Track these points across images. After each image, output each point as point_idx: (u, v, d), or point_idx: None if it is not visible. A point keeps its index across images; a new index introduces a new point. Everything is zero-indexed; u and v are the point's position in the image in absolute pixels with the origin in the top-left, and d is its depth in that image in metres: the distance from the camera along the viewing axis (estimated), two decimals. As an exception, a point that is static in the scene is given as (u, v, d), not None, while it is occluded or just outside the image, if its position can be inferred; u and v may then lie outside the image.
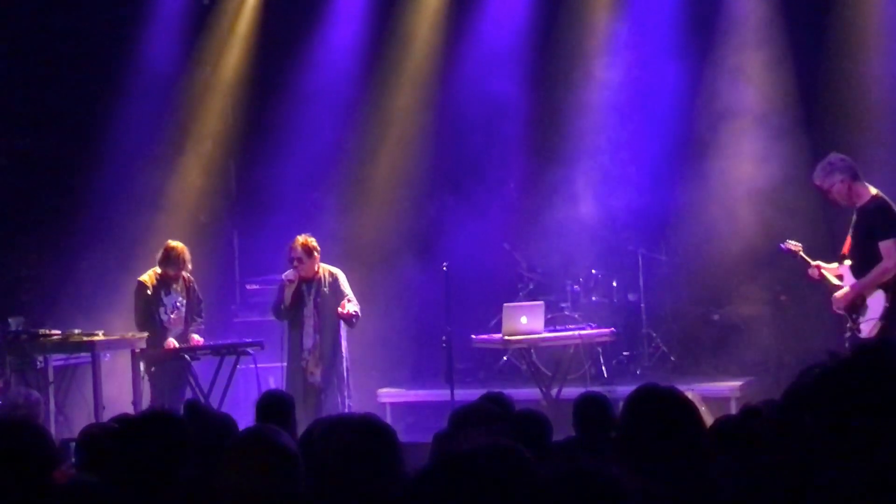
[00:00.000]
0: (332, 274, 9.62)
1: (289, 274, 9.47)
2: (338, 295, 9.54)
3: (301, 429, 5.84)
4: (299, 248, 9.44)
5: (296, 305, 9.48)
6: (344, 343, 9.64)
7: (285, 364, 9.66)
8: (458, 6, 12.44)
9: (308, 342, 9.50)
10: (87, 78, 11.65)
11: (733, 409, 9.25)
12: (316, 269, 9.53)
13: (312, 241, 9.53)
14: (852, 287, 7.68)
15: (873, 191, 7.72)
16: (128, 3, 11.98)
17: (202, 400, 9.29)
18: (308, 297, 9.50)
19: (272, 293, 9.91)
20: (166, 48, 12.17)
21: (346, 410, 9.32)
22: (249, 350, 9.79)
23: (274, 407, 6.00)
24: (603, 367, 11.17)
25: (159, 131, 12.12)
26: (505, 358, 11.61)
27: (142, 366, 9.42)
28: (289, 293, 9.44)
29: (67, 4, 11.58)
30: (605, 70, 12.04)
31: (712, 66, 11.62)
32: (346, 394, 9.61)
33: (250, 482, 3.25)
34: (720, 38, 11.61)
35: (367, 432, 3.45)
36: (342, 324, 9.59)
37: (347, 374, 9.65)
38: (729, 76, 11.53)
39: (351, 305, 9.54)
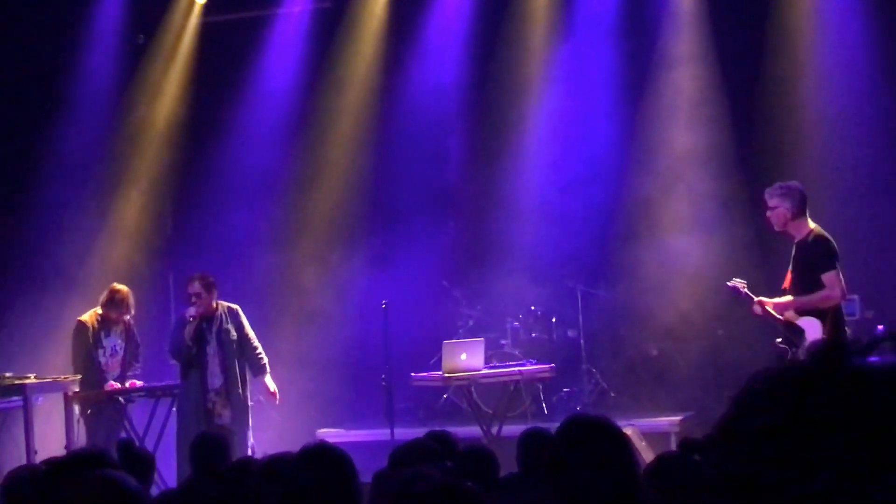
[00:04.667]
0: (231, 309, 9.33)
1: (190, 311, 9.12)
2: (240, 330, 9.25)
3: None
4: (197, 283, 9.14)
5: (196, 344, 9.12)
6: (248, 381, 9.35)
7: (179, 407, 9.26)
8: (395, 40, 12.48)
9: (215, 382, 9.14)
10: (21, 110, 11.48)
11: (673, 444, 9.27)
12: (215, 305, 9.25)
13: (211, 278, 9.27)
14: (794, 301, 7.76)
15: (812, 225, 7.83)
16: (62, 38, 11.84)
17: (137, 443, 9.13)
18: (210, 334, 9.16)
19: (171, 334, 9.43)
20: (102, 86, 12.07)
21: (252, 450, 9.02)
22: (185, 392, 9.65)
23: (210, 447, 5.92)
24: (543, 404, 11.15)
25: (95, 170, 11.99)
26: (445, 396, 11.54)
27: (77, 409, 9.25)
28: (190, 330, 9.07)
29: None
30: (543, 107, 12.15)
31: (649, 102, 11.78)
32: (251, 434, 9.27)
33: None
34: (656, 71, 11.78)
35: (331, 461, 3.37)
36: (245, 363, 9.30)
37: (251, 413, 9.37)
38: (666, 112, 11.70)
39: (270, 380, 9.30)
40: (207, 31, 12.62)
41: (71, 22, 11.90)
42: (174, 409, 9.66)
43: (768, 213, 7.87)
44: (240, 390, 9.20)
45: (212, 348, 9.15)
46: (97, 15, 12.13)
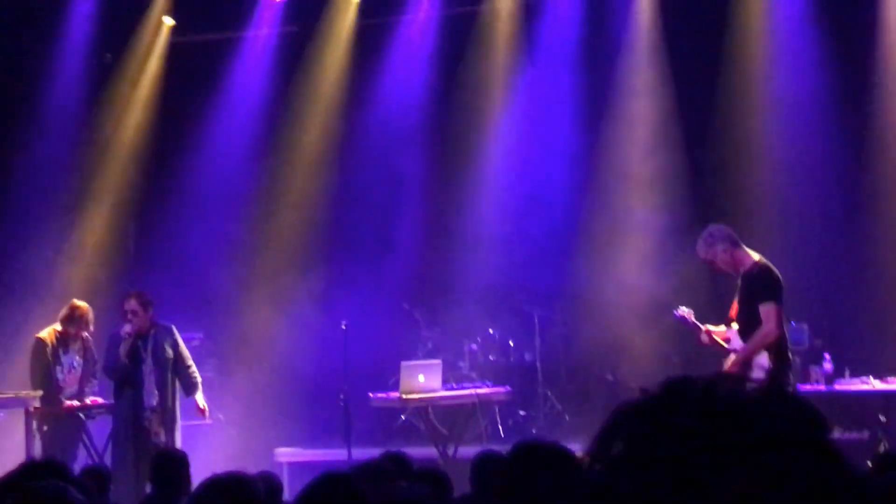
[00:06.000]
0: (166, 327, 9.30)
1: (126, 328, 9.09)
2: (174, 349, 9.24)
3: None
4: (134, 301, 9.12)
5: (131, 362, 9.07)
6: (180, 402, 9.33)
7: (113, 425, 9.22)
8: (359, 65, 12.70)
9: (151, 400, 9.07)
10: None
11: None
12: (151, 323, 9.21)
13: (147, 295, 9.27)
14: (740, 352, 7.93)
15: (756, 256, 8.01)
16: (32, 53, 11.95)
17: (96, 459, 9.20)
18: (145, 352, 9.11)
19: (105, 352, 9.35)
20: (70, 102, 12.19)
21: None
22: (146, 409, 9.71)
23: (168, 466, 6.03)
24: (500, 426, 11.32)
25: (61, 185, 12.08)
26: (403, 417, 11.68)
27: (34, 424, 9.31)
28: (125, 347, 9.04)
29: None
30: (501, 132, 12.39)
31: (605, 130, 12.05)
32: None
33: None
34: (613, 100, 12.05)
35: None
36: (178, 383, 9.28)
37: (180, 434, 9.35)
38: (622, 138, 11.97)
39: (201, 398, 9.28)
40: (175, 52, 12.76)
41: (41, 37, 12.00)
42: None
43: (714, 267, 8.05)
44: (174, 409, 9.21)
45: (147, 366, 9.11)
46: (67, 32, 12.25)
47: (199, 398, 9.32)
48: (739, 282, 8.02)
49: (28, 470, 4.09)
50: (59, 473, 4.05)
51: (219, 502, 3.86)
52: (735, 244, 7.96)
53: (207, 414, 9.45)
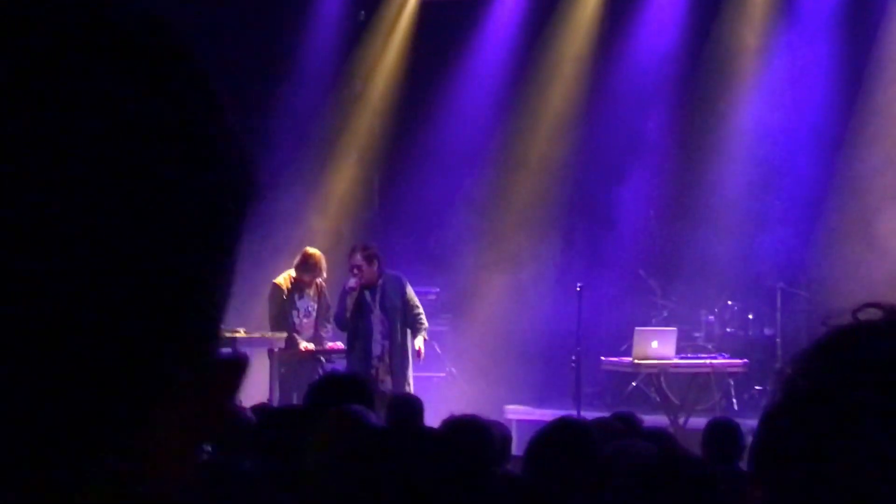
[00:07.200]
0: (396, 278, 9.45)
1: (350, 282, 9.32)
2: (404, 299, 9.38)
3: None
4: (359, 255, 9.31)
5: (359, 313, 9.31)
6: (412, 349, 9.45)
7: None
8: (608, 27, 12.54)
9: (377, 349, 9.28)
10: (256, 75, 11.96)
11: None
12: (378, 275, 9.38)
13: (373, 248, 9.48)
14: None
15: None
16: (287, 13, 12.37)
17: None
18: (373, 303, 9.30)
19: (336, 303, 9.65)
20: (324, 59, 12.57)
21: None
22: (381, 355, 9.94)
23: (403, 410, 6.14)
24: (734, 400, 11.03)
25: (312, 138, 12.49)
26: (634, 384, 11.54)
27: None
28: (350, 301, 9.29)
29: (229, 11, 11.96)
30: (753, 98, 11.97)
31: (863, 102, 11.45)
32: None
33: (336, 459, 3.24)
34: (876, 69, 11.43)
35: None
36: (409, 330, 9.41)
37: (412, 381, 9.46)
38: (881, 111, 11.35)
39: (420, 340, 9.38)
40: (426, 9, 12.95)
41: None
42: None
43: None
44: (401, 358, 9.35)
45: (375, 317, 9.30)
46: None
47: (418, 341, 9.45)
48: None
49: (330, 384, 4.20)
50: (361, 393, 4.16)
51: (457, 441, 3.90)
52: None
53: (422, 356, 9.54)
